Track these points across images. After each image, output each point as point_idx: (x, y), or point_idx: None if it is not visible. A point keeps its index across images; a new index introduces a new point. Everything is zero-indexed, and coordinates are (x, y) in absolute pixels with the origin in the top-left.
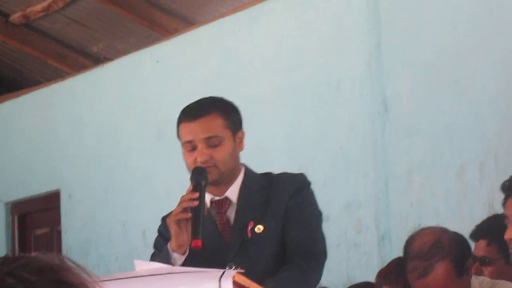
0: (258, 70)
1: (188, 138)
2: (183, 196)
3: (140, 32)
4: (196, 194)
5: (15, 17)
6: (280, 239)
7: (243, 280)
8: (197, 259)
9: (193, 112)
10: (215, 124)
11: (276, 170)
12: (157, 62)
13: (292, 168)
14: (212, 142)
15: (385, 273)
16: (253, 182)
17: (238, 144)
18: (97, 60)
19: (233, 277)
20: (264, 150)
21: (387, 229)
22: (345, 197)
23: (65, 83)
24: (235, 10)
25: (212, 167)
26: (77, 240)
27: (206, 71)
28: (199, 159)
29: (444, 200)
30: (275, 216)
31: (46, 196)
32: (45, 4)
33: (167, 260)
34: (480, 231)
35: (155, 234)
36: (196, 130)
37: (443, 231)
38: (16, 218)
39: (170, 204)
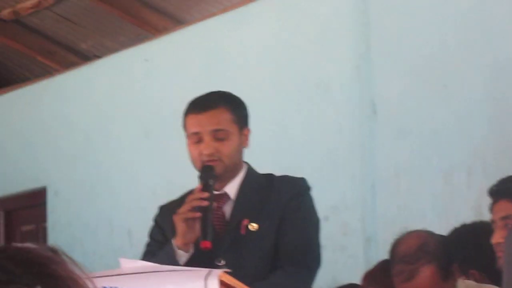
0: (246, 71)
1: (195, 129)
2: (191, 195)
3: (130, 30)
4: (206, 194)
5: (5, 12)
6: (274, 241)
7: (229, 279)
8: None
9: (201, 104)
10: (223, 118)
11: (262, 171)
12: (146, 60)
13: (279, 169)
14: (218, 136)
15: (371, 275)
16: (254, 180)
17: (243, 140)
18: (86, 57)
19: (220, 276)
20: (251, 151)
21: (373, 232)
22: (332, 199)
23: (53, 80)
24: (224, 10)
25: (217, 161)
26: (63, 238)
27: (195, 70)
28: (204, 152)
29: (431, 204)
30: (271, 216)
31: (32, 193)
32: (35, 0)
33: (171, 255)
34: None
35: (141, 234)
36: (204, 122)
37: (429, 234)
38: (2, 215)
39: (156, 203)
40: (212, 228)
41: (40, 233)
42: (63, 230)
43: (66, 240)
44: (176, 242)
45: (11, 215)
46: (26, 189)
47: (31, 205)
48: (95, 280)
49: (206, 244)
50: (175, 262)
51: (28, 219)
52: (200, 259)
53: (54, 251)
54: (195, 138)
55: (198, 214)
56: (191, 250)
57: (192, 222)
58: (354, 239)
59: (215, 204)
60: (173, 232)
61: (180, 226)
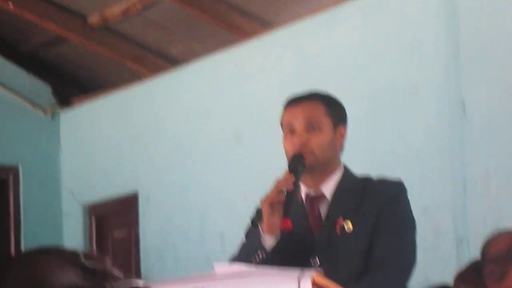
0: (336, 74)
1: (289, 120)
2: (279, 179)
3: (219, 35)
4: (292, 178)
5: (93, 19)
6: (368, 243)
7: (322, 280)
8: (284, 249)
9: (297, 98)
10: (316, 110)
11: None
12: (236, 65)
13: (371, 172)
14: (310, 126)
15: (462, 276)
16: (351, 182)
17: (338, 138)
18: (175, 62)
19: (313, 277)
20: (343, 155)
21: (465, 233)
22: (423, 200)
23: (143, 85)
24: (313, 12)
25: (308, 153)
26: (154, 243)
27: (284, 73)
28: (296, 141)
29: None
30: (367, 218)
31: (124, 199)
32: (124, 6)
33: (257, 239)
34: None
35: (233, 238)
36: (298, 113)
37: None
38: (94, 221)
39: (248, 208)
40: (301, 220)
41: (132, 239)
42: (155, 236)
43: (158, 246)
44: (262, 226)
45: (103, 221)
46: (118, 195)
47: (123, 211)
48: (187, 284)
49: (287, 223)
50: (260, 246)
51: (120, 225)
52: (295, 258)
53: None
54: (289, 130)
55: (282, 197)
56: (278, 236)
57: (278, 206)
58: (445, 240)
59: (305, 198)
60: None
61: (265, 209)
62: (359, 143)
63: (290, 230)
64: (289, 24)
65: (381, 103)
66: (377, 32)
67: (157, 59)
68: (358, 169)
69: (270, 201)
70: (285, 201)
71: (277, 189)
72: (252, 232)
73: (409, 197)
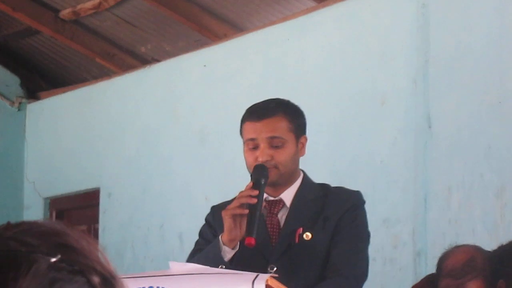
0: (304, 80)
1: (251, 136)
2: (241, 192)
3: (189, 35)
4: (256, 192)
5: (65, 13)
6: (326, 252)
7: (276, 284)
8: (242, 256)
9: (259, 112)
10: (280, 126)
11: (316, 180)
12: (205, 66)
13: (333, 179)
14: (275, 143)
15: None
16: (310, 189)
17: (300, 148)
18: (144, 60)
19: (267, 280)
20: (306, 160)
21: (423, 246)
22: (383, 212)
23: (111, 81)
24: (284, 18)
25: (272, 168)
26: (114, 240)
27: (252, 78)
28: (260, 159)
29: (481, 220)
30: (326, 228)
31: (86, 194)
32: (96, 1)
33: (217, 250)
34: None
35: (192, 238)
36: (261, 129)
37: (477, 249)
38: (54, 214)
39: (208, 209)
40: (260, 228)
41: (91, 234)
42: (115, 232)
43: (117, 242)
44: (222, 238)
45: (64, 215)
46: (79, 189)
47: (84, 206)
48: (143, 280)
49: (250, 240)
50: (219, 258)
51: (80, 220)
52: (252, 264)
53: (61, 225)
54: (252, 145)
55: (246, 211)
56: (237, 248)
57: (240, 218)
58: (404, 252)
59: (265, 205)
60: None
61: (227, 221)
62: (323, 151)
63: (253, 246)
64: (260, 29)
65: (348, 111)
66: (347, 41)
67: (126, 56)
68: (321, 177)
69: (233, 214)
70: (249, 216)
71: (240, 202)
72: (207, 236)
73: (371, 207)
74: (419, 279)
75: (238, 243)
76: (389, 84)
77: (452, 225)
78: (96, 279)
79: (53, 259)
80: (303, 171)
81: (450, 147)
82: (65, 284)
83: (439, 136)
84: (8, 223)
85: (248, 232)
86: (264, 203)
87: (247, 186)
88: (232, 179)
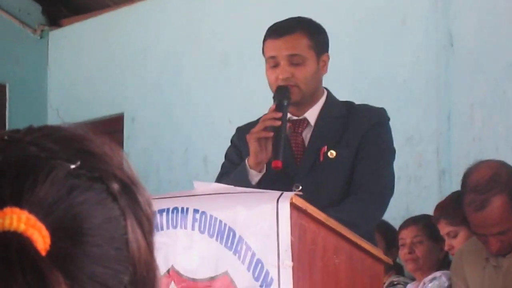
0: (324, 2)
1: (272, 53)
2: (265, 115)
3: None
4: (279, 114)
5: None
6: (350, 169)
7: (300, 202)
8: (268, 178)
9: (279, 30)
10: (299, 43)
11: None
12: None
13: (355, 99)
14: (294, 60)
15: (442, 207)
16: (334, 108)
17: (321, 67)
18: None
19: (291, 198)
20: (327, 82)
21: (448, 164)
22: (407, 130)
23: (133, 7)
24: None
25: (294, 87)
26: (138, 164)
27: None
28: (280, 76)
29: (504, 137)
30: (350, 144)
31: (109, 120)
32: None
33: (244, 174)
34: None
35: (216, 161)
36: (280, 46)
37: (502, 164)
38: None
39: (232, 131)
40: (284, 148)
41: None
42: (139, 157)
43: (142, 167)
44: (249, 161)
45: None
46: (103, 115)
47: (108, 132)
48: (167, 200)
49: (277, 163)
50: (247, 182)
51: None
52: (278, 184)
53: (84, 129)
54: (272, 62)
55: (270, 134)
56: (264, 170)
57: (265, 141)
58: (428, 170)
59: (289, 125)
60: (249, 153)
61: (252, 145)
62: (344, 70)
63: (279, 169)
64: None
65: (368, 31)
66: None
67: None
68: (343, 97)
69: (258, 137)
70: (275, 138)
71: (264, 125)
72: (233, 158)
73: (394, 126)
74: (444, 197)
75: (265, 166)
76: (410, 3)
77: (476, 142)
78: (115, 186)
79: (73, 166)
80: (327, 89)
81: (472, 64)
82: (83, 191)
83: (461, 53)
84: (30, 127)
85: (275, 155)
86: (288, 123)
87: (270, 108)
88: (255, 101)
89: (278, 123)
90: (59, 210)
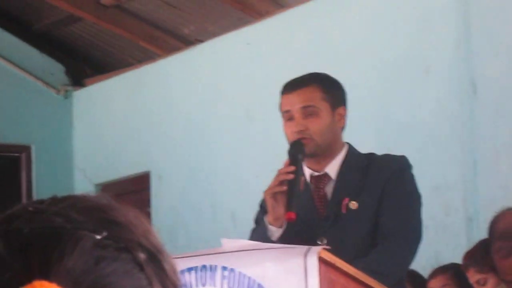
0: (348, 53)
1: (286, 107)
2: (280, 169)
3: (232, 14)
4: (292, 168)
5: None
6: (374, 218)
7: (329, 256)
8: (291, 232)
9: (293, 84)
10: (313, 95)
11: (364, 152)
12: (248, 44)
13: (381, 151)
14: (308, 112)
15: (471, 255)
16: (355, 160)
17: (338, 120)
18: (188, 42)
19: (319, 253)
20: (352, 132)
21: (475, 212)
22: (433, 179)
23: (155, 65)
24: None
25: (308, 139)
26: (166, 222)
27: (296, 53)
28: (294, 129)
29: None
30: (372, 194)
31: (136, 178)
32: None
33: (264, 232)
34: None
35: (245, 216)
36: (294, 100)
37: None
38: None
39: (259, 186)
40: (307, 202)
41: None
42: (167, 215)
43: (170, 224)
44: (267, 218)
45: (115, 201)
46: (130, 174)
47: (135, 190)
48: (195, 258)
49: (290, 215)
50: (267, 239)
51: (132, 204)
52: (302, 239)
53: (108, 198)
54: (287, 116)
55: (284, 188)
56: (284, 226)
57: (280, 196)
58: (456, 219)
59: (310, 180)
60: None
61: (269, 201)
62: (369, 120)
63: (293, 221)
64: (301, 4)
65: (391, 81)
66: (389, 11)
67: (169, 38)
68: (367, 147)
69: (273, 192)
70: (288, 191)
71: (278, 179)
72: (261, 220)
73: (420, 175)
74: (472, 245)
75: (284, 221)
76: (433, 51)
77: (503, 189)
78: (141, 255)
79: (99, 236)
80: (348, 143)
81: (495, 111)
82: (110, 262)
83: (484, 100)
84: (54, 197)
85: (288, 207)
86: (311, 180)
87: (284, 163)
88: (281, 155)
89: (291, 176)
90: (87, 281)
